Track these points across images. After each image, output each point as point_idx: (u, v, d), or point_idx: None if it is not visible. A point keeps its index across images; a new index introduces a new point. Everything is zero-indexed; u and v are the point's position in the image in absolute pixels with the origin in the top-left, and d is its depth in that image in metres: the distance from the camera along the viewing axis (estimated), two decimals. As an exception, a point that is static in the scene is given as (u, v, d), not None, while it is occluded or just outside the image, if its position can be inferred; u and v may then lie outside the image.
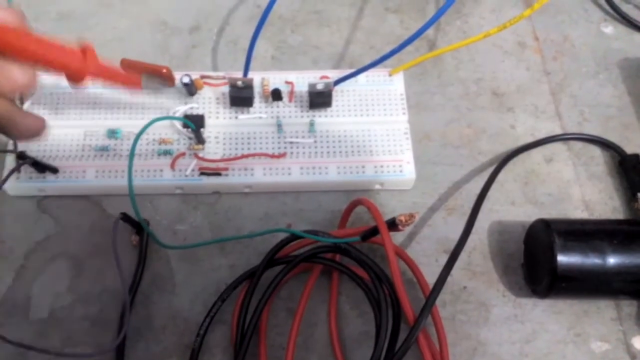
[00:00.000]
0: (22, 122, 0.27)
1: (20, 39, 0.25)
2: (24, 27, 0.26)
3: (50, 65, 0.27)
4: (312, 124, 0.40)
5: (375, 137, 0.40)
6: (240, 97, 0.39)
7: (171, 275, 0.36)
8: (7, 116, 0.26)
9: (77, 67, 0.28)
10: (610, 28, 0.47)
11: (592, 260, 0.32)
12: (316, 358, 0.34)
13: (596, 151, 0.41)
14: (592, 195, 0.39)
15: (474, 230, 0.34)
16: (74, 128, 0.39)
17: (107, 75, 0.31)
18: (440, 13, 0.36)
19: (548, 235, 0.33)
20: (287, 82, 0.41)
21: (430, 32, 0.47)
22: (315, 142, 0.39)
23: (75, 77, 0.28)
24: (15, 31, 0.25)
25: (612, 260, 0.32)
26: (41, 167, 0.37)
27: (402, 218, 0.31)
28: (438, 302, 0.36)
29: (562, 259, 0.32)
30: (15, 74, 0.25)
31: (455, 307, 0.36)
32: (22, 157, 0.36)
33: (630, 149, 0.40)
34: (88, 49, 0.29)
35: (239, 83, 0.38)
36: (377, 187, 0.39)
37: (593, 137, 0.41)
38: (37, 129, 0.27)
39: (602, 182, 0.40)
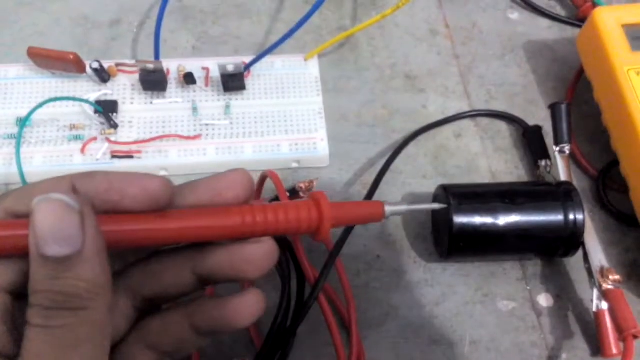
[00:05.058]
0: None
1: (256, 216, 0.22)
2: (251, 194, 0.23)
3: (288, 232, 0.23)
4: (227, 107, 0.41)
5: (290, 117, 0.41)
6: (152, 80, 0.39)
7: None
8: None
9: (315, 222, 0.23)
10: (516, 14, 0.49)
11: (485, 219, 0.33)
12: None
13: (502, 125, 0.43)
14: (498, 166, 0.41)
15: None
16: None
17: (348, 215, 0.24)
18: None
19: (446, 199, 0.34)
20: (203, 68, 0.42)
21: (347, 23, 0.48)
22: (231, 123, 0.40)
23: (316, 232, 0.23)
24: (253, 208, 0.22)
25: (503, 218, 0.33)
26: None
27: (302, 185, 0.32)
28: (352, 271, 0.37)
29: (457, 219, 0.33)
30: (258, 255, 0.22)
31: (369, 276, 0.37)
32: None
33: (534, 122, 0.42)
34: (318, 196, 0.23)
35: (149, 66, 0.38)
36: (294, 165, 0.40)
37: (499, 112, 0.43)
38: None
39: (507, 154, 0.42)
